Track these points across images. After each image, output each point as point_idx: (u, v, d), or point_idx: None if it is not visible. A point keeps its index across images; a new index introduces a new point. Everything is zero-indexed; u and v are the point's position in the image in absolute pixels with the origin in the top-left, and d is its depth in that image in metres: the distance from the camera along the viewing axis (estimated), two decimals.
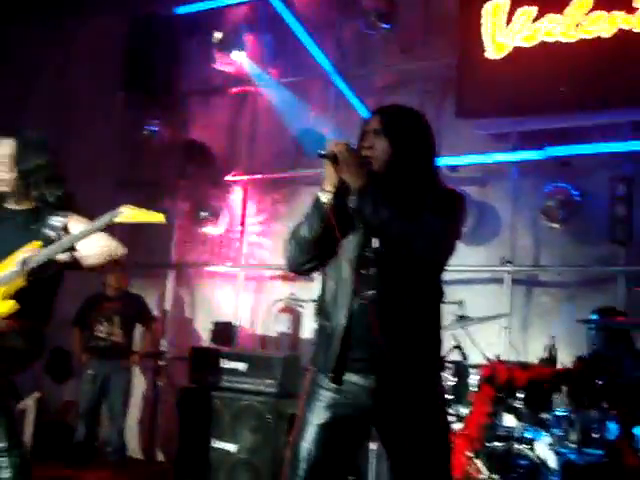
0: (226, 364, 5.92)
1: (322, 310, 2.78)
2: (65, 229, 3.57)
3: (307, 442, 2.66)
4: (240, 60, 7.45)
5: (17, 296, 3.40)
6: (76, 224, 3.58)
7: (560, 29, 5.96)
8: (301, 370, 5.97)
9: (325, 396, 2.70)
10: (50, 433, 6.95)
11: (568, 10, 5.95)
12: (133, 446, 7.33)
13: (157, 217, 3.40)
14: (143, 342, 6.98)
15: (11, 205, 3.65)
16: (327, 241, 2.71)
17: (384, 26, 6.99)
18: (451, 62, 6.56)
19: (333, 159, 2.63)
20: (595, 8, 5.87)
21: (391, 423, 2.69)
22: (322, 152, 2.67)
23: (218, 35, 7.49)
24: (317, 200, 2.70)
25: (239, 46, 7.44)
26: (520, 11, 6.15)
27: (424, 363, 2.71)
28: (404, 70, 7.06)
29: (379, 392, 2.66)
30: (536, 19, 6.08)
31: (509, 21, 6.19)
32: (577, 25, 5.91)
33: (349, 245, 2.70)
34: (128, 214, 3.39)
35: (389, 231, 2.61)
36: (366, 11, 7.00)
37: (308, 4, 7.63)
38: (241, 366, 5.85)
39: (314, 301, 2.77)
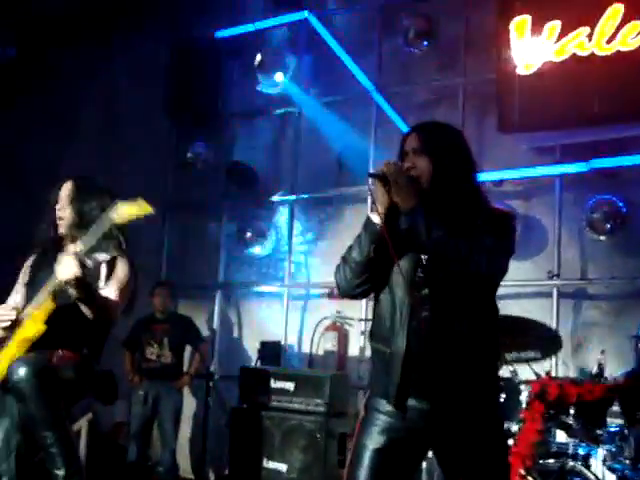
0: (274, 384, 5.97)
1: (377, 335, 2.76)
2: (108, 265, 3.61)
3: (364, 467, 2.65)
4: (282, 81, 7.53)
5: (69, 329, 3.49)
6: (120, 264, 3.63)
7: (592, 42, 5.94)
8: (349, 388, 5.99)
9: (382, 420, 2.68)
10: (103, 454, 7.04)
11: (599, 23, 5.92)
12: (184, 466, 7.40)
13: (146, 209, 3.46)
14: (193, 363, 7.06)
15: (68, 246, 3.67)
16: (379, 264, 2.70)
17: (424, 43, 7.04)
18: (491, 77, 6.55)
19: (383, 179, 2.64)
20: (628, 19, 5.83)
21: (448, 446, 2.70)
22: (372, 172, 2.68)
23: (259, 57, 7.59)
24: (368, 222, 2.70)
25: (280, 67, 7.54)
26: (546, 26, 6.13)
27: (481, 384, 2.71)
28: (444, 86, 7.09)
29: (435, 415, 2.65)
30: (563, 33, 6.07)
31: (536, 34, 6.18)
32: (611, 38, 5.87)
33: (403, 267, 2.68)
34: (122, 211, 3.43)
35: (443, 249, 2.59)
36: (405, 28, 7.06)
37: (347, 23, 7.71)
38: (289, 385, 5.90)
39: (361, 320, 2.79)
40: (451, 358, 2.62)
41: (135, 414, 6.82)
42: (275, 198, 7.78)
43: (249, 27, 7.89)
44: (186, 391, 7.24)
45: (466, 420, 2.65)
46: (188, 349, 7.12)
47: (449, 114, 6.79)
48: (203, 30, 8.14)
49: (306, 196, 7.62)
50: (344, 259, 2.77)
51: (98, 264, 3.58)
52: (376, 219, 2.67)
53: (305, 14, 7.49)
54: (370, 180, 2.68)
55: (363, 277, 2.74)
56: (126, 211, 3.45)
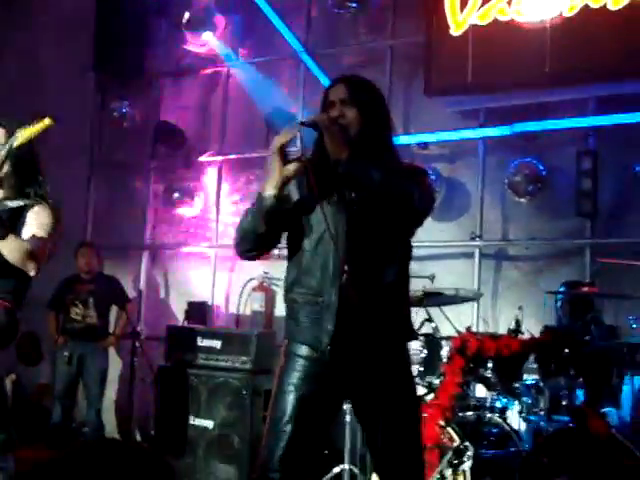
0: (201, 342, 5.99)
1: (305, 284, 2.77)
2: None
3: (285, 412, 2.70)
4: (210, 41, 7.47)
5: None
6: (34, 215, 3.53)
7: (512, 8, 6.07)
8: (275, 347, 6.05)
9: (303, 366, 2.73)
10: (26, 416, 6.98)
11: None
12: (110, 426, 7.38)
13: (45, 123, 3.45)
14: (118, 323, 7.02)
15: None
16: (274, 231, 2.78)
17: (353, 5, 7.05)
18: (419, 41, 6.62)
19: (315, 127, 2.68)
20: None
21: (364, 394, 2.77)
22: (303, 120, 2.72)
23: (186, 16, 7.49)
24: (259, 198, 2.72)
25: (209, 27, 7.46)
26: None
27: (399, 332, 2.80)
28: (373, 49, 7.14)
29: (355, 361, 2.72)
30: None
31: (464, 1, 6.28)
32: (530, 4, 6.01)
33: (330, 218, 2.70)
34: (23, 134, 3.43)
35: (387, 189, 2.65)
36: None
37: None
38: (216, 344, 5.93)
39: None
40: (378, 308, 2.70)
41: (59, 375, 6.75)
42: (203, 158, 7.74)
43: None
44: (112, 351, 7.19)
45: (383, 367, 2.73)
46: (114, 310, 7.06)
47: (377, 77, 6.63)
48: None
49: (234, 157, 7.60)
50: (238, 227, 2.83)
51: (11, 210, 3.50)
52: (269, 193, 2.69)
53: None
54: (297, 129, 2.70)
55: (255, 245, 2.81)
56: (27, 131, 3.41)
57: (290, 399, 2.71)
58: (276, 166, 2.69)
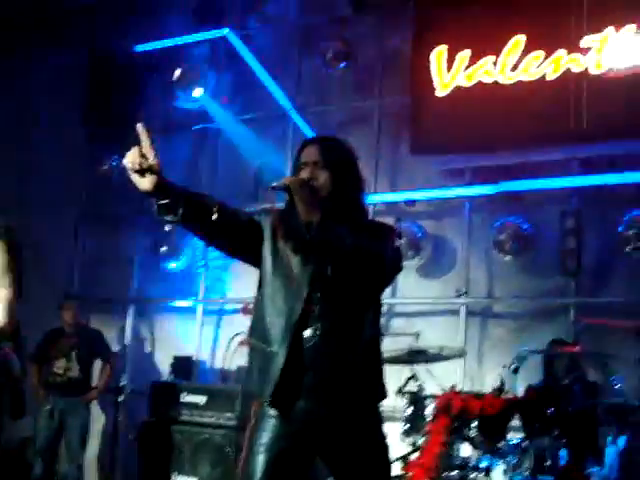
0: (186, 398, 5.96)
1: (258, 332, 2.77)
2: None
3: (256, 475, 2.65)
4: (200, 97, 7.57)
5: None
6: None
7: (497, 70, 6.24)
8: None
9: (272, 425, 2.70)
10: (8, 470, 6.88)
11: (502, 53, 6.23)
12: None
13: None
14: (101, 377, 6.97)
15: None
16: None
17: (341, 65, 7.20)
18: (406, 100, 6.76)
19: (286, 191, 2.71)
20: (531, 49, 6.12)
21: (336, 452, 2.74)
22: (274, 184, 2.74)
23: (178, 72, 7.60)
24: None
25: (199, 83, 7.57)
26: (458, 55, 6.41)
27: (369, 391, 2.79)
28: (360, 107, 7.26)
29: (327, 421, 2.71)
30: (472, 62, 6.35)
31: (450, 64, 6.45)
32: (514, 66, 6.16)
33: (293, 270, 2.74)
34: None
35: (359, 252, 2.66)
36: (323, 49, 7.21)
37: (267, 42, 7.79)
38: (201, 399, 5.90)
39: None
40: (344, 367, 2.69)
41: (41, 429, 6.67)
42: None
43: (168, 42, 7.90)
44: (97, 406, 7.13)
45: (354, 426, 2.72)
46: (98, 364, 7.02)
47: (365, 135, 6.96)
48: (122, 44, 8.11)
49: None
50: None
51: None
52: None
53: (225, 31, 7.55)
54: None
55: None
56: None
57: (260, 459, 2.66)
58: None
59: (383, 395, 2.89)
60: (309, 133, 7.12)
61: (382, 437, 2.85)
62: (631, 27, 5.85)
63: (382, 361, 2.88)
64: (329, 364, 2.68)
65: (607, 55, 5.89)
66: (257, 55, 7.52)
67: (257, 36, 7.83)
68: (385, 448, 2.87)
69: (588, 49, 5.99)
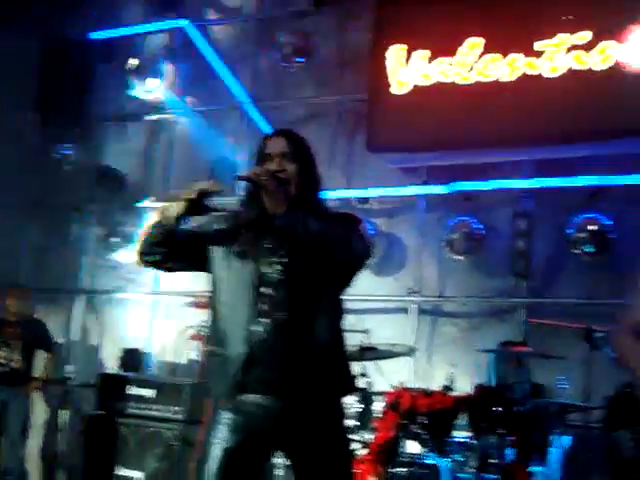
0: (133, 391, 5.89)
1: (215, 337, 2.79)
2: None
3: (211, 466, 2.66)
4: (156, 88, 7.48)
5: None
6: None
7: (454, 71, 6.25)
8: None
9: (228, 419, 2.71)
10: None
11: (459, 53, 6.25)
12: (35, 475, 7.16)
13: None
14: (44, 368, 6.86)
15: None
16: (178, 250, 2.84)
17: (300, 60, 7.17)
18: (363, 97, 6.75)
19: (252, 182, 2.71)
20: (488, 51, 6.16)
21: (295, 445, 2.75)
22: (242, 175, 2.73)
23: (134, 62, 7.51)
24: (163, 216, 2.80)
25: (155, 74, 7.48)
26: (415, 54, 6.42)
27: (328, 385, 2.78)
28: (317, 103, 7.24)
29: (283, 414, 2.70)
30: (430, 61, 6.37)
31: (408, 62, 6.45)
32: (471, 68, 6.20)
33: (244, 268, 2.74)
34: None
35: (326, 239, 2.68)
36: (282, 44, 7.17)
37: (225, 35, 7.74)
38: (149, 393, 5.83)
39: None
40: (299, 362, 2.69)
41: None
42: (144, 204, 7.69)
43: (125, 31, 7.80)
44: (40, 398, 7.02)
45: (314, 420, 2.72)
46: (42, 355, 6.90)
47: (321, 131, 6.95)
48: (76, 31, 7.99)
49: None
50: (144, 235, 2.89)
51: None
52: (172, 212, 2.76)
53: (183, 22, 7.47)
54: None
55: (158, 248, 2.82)
56: None
57: (216, 453, 2.68)
58: (181, 202, 2.75)
59: (347, 389, 2.92)
60: (265, 127, 7.08)
61: (342, 431, 2.86)
62: (587, 34, 5.92)
63: (346, 356, 2.88)
64: (283, 359, 2.67)
65: (560, 59, 5.95)
66: (215, 47, 7.46)
67: (215, 28, 7.79)
68: (345, 442, 2.88)
69: (542, 53, 6.05)
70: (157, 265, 2.92)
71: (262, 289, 2.72)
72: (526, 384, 4.89)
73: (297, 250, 2.72)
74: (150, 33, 7.83)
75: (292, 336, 2.69)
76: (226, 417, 2.72)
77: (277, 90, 7.43)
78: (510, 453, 4.47)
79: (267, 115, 7.21)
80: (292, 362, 2.68)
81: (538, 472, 4.53)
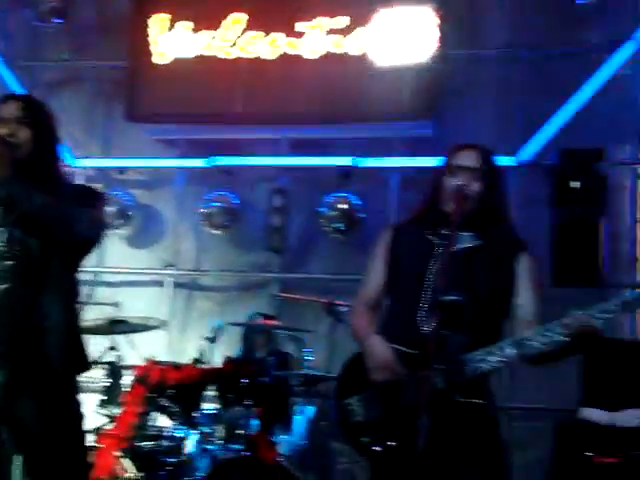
0: None
1: None
2: None
3: None
4: None
5: None
6: None
7: (217, 45, 6.27)
8: None
9: None
10: None
11: (222, 28, 6.28)
12: None
13: None
14: None
15: None
16: None
17: (57, 20, 6.84)
18: (123, 64, 6.57)
19: None
20: (250, 28, 6.23)
21: (20, 423, 2.66)
22: None
23: None
24: None
25: None
26: (178, 25, 6.38)
27: (58, 361, 2.70)
28: (74, 68, 6.96)
29: (8, 387, 2.61)
30: (194, 33, 6.35)
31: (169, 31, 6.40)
32: (234, 43, 6.24)
33: None
34: None
35: (48, 215, 2.59)
36: (37, 2, 6.81)
37: None
38: None
39: None
40: (31, 335, 2.60)
41: None
42: None
43: None
44: None
45: (40, 396, 2.65)
46: None
47: (78, 97, 6.74)
48: None
49: None
50: None
51: None
52: None
53: None
54: None
55: None
56: None
57: None
58: None
59: (78, 368, 2.83)
60: (17, 89, 6.69)
61: (73, 407, 2.79)
62: (344, 19, 6.13)
63: (78, 333, 2.81)
64: (7, 332, 2.58)
65: (319, 41, 6.13)
66: None
67: None
68: (75, 418, 2.80)
69: (303, 34, 6.20)
70: None
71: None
72: (274, 356, 5.01)
73: (20, 221, 2.61)
74: None
75: (16, 309, 2.59)
76: None
77: (31, 50, 7.03)
78: (255, 423, 4.58)
79: (21, 76, 6.81)
80: (17, 336, 2.58)
81: (283, 440, 4.69)
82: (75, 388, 2.80)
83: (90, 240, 2.73)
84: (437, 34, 5.94)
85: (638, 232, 5.71)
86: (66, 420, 2.72)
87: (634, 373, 5.11)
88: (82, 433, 2.83)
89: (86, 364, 2.86)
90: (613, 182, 5.69)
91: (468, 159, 2.76)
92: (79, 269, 2.80)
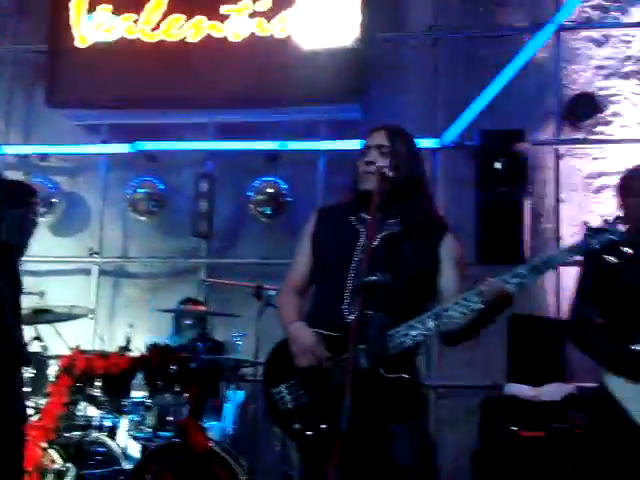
0: None
1: None
2: None
3: None
4: None
5: None
6: None
7: (139, 28, 6.18)
8: None
9: None
10: None
11: (144, 11, 6.19)
12: None
13: None
14: None
15: None
16: None
17: None
18: (44, 49, 6.42)
19: None
20: (172, 11, 6.15)
21: None
22: None
23: None
24: None
25: None
26: (100, 7, 6.27)
27: None
28: None
29: None
30: (114, 16, 6.25)
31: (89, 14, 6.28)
32: (157, 26, 6.15)
33: None
34: None
35: None
36: None
37: None
38: None
39: None
40: None
41: None
42: None
43: None
44: None
45: None
46: None
47: None
48: None
49: None
50: None
51: None
52: None
53: None
54: None
55: None
56: None
57: None
58: None
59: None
60: None
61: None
62: (267, 2, 6.09)
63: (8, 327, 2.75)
64: None
65: (243, 24, 6.08)
66: None
67: None
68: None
69: (227, 17, 6.14)
70: None
71: None
72: (203, 342, 4.99)
73: None
74: None
75: None
76: None
77: None
78: (185, 410, 4.56)
79: None
80: None
81: (213, 426, 4.68)
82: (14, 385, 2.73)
83: (17, 246, 2.65)
84: (360, 17, 5.95)
85: (561, 211, 5.84)
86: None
87: (558, 349, 5.25)
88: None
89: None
90: (536, 162, 5.81)
91: (378, 138, 2.80)
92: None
